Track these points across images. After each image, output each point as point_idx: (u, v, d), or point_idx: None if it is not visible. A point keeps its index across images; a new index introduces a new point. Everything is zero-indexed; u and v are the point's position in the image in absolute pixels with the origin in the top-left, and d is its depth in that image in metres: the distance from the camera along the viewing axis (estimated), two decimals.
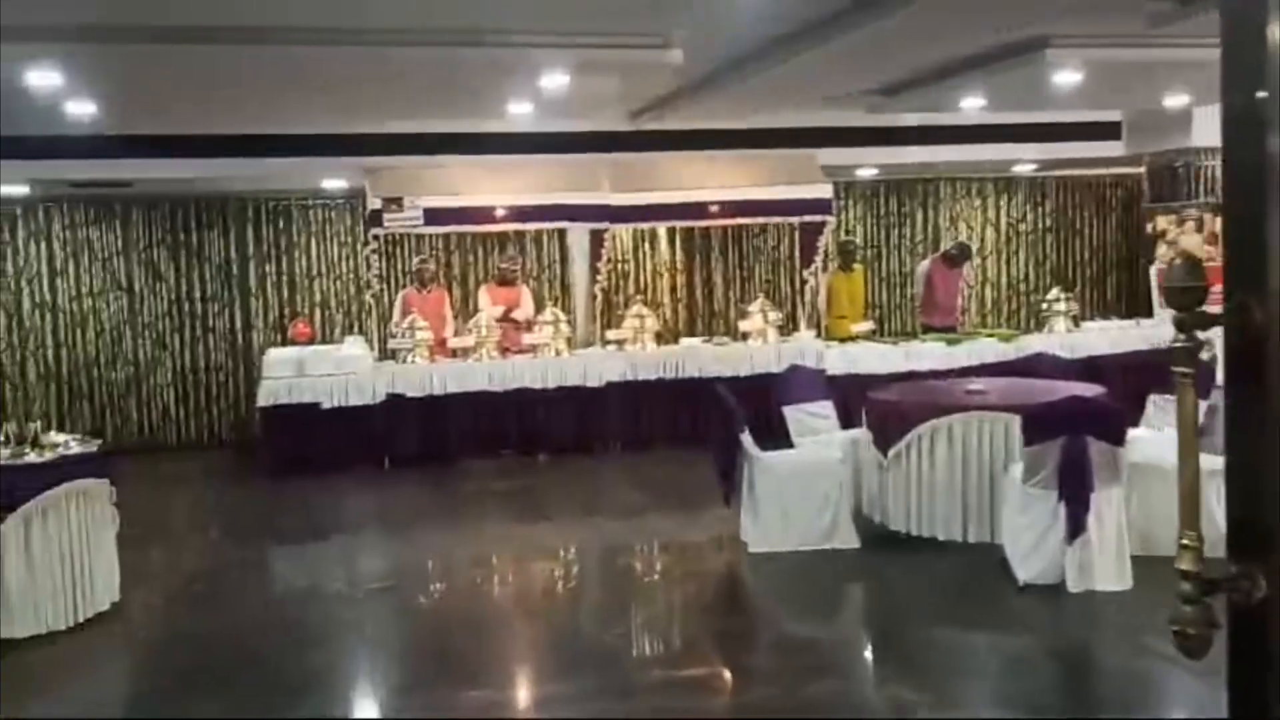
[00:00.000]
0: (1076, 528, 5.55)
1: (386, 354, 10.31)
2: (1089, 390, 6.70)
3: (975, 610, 5.59)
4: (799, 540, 6.49)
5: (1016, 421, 5.96)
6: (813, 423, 7.46)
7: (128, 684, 5.23)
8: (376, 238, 10.30)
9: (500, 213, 10.40)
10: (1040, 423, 5.69)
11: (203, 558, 7.27)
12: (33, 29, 6.06)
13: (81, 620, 5.59)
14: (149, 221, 11.29)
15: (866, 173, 12.39)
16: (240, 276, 11.51)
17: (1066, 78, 8.24)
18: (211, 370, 11.51)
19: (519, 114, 9.18)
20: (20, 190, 10.57)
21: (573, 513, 8.23)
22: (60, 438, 5.91)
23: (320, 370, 9.50)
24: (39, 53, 6.50)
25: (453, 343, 10.18)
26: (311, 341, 10.65)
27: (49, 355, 11.18)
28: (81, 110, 8.02)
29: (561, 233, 11.65)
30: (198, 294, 11.42)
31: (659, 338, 10.79)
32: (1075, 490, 5.52)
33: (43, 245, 11.11)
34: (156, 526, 7.94)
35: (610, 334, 10.63)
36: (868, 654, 5.48)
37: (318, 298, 11.69)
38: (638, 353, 10.30)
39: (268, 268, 11.55)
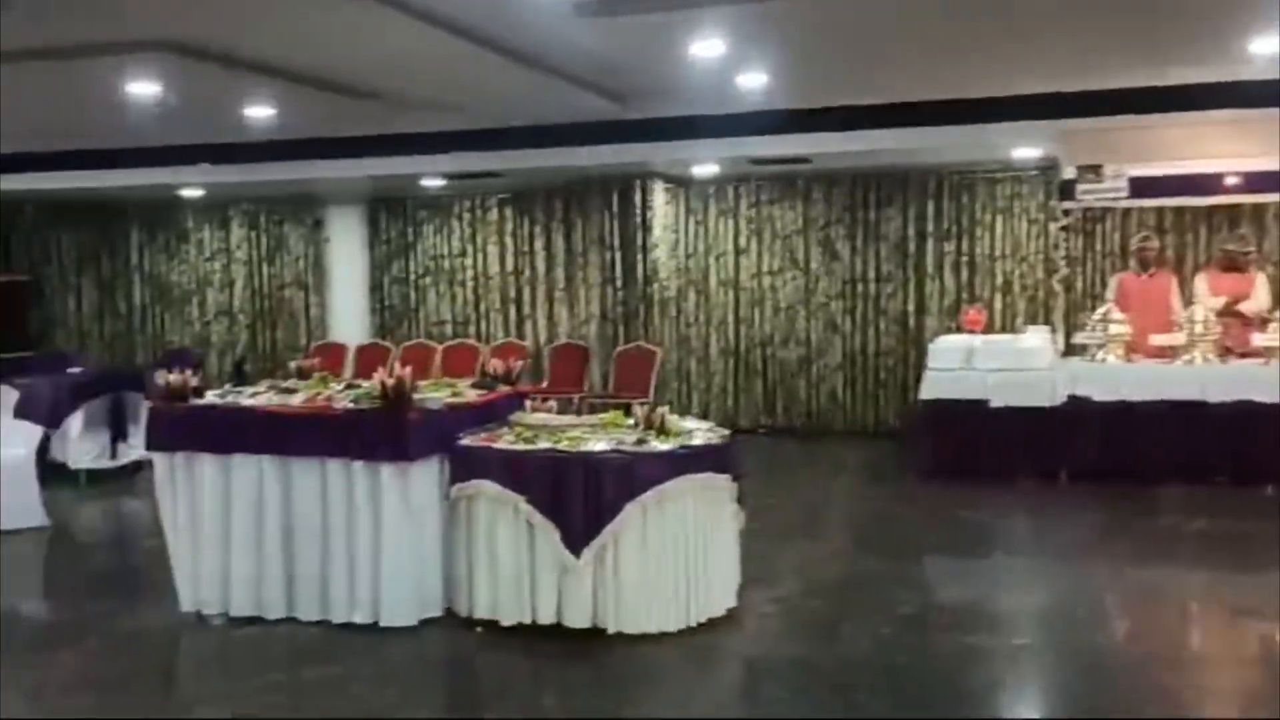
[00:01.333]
0: None
1: (1072, 349, 8.94)
2: None
3: None
4: None
5: None
6: None
7: (724, 705, 4.67)
8: (1068, 212, 8.94)
9: (1230, 181, 8.59)
10: None
11: (834, 564, 6.61)
12: None
13: (693, 624, 5.20)
14: (828, 199, 11.11)
15: None
16: (917, 256, 10.85)
17: None
18: (881, 355, 11.05)
19: (1264, 55, 7.14)
20: (711, 170, 10.88)
21: None
22: (689, 424, 5.58)
23: (991, 364, 8.56)
24: (703, 19, 6.23)
25: (1156, 340, 8.49)
26: (985, 331, 9.61)
27: (729, 331, 11.48)
28: (753, 83, 7.76)
29: None
30: (871, 274, 11.01)
31: None
32: None
33: (729, 222, 11.41)
34: (796, 519, 7.59)
35: None
36: None
37: (999, 281, 10.64)
38: None
39: (946, 247, 10.77)
